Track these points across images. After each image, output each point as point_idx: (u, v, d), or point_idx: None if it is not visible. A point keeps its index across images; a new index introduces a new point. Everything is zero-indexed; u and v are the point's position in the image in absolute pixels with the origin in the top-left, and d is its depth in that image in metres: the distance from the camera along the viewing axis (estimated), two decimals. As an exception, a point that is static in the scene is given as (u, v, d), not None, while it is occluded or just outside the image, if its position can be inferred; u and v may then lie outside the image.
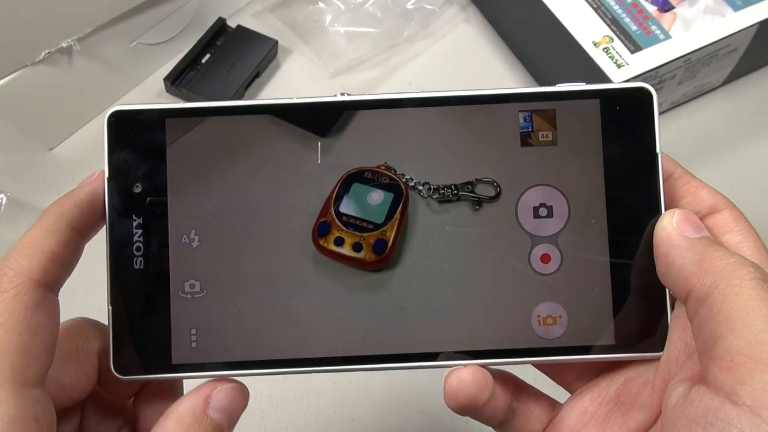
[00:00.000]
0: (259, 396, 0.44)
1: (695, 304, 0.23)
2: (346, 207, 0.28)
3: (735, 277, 0.22)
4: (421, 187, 0.28)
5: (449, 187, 0.27)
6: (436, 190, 0.27)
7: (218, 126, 0.27)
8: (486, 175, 0.27)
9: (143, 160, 0.27)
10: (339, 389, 0.45)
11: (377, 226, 0.28)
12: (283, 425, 0.44)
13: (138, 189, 0.27)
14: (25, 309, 0.23)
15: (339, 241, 0.27)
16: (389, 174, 0.28)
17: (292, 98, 0.27)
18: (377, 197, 0.28)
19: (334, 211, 0.27)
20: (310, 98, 0.27)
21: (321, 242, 0.27)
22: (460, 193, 0.27)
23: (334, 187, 0.27)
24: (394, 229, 0.27)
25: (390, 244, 0.27)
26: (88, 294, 0.40)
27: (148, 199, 0.27)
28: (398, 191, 0.28)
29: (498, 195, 0.27)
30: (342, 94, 0.28)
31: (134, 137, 0.27)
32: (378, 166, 0.28)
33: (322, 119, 0.28)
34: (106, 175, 0.27)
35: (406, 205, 0.28)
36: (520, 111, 0.28)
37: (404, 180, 0.28)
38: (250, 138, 0.27)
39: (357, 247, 0.27)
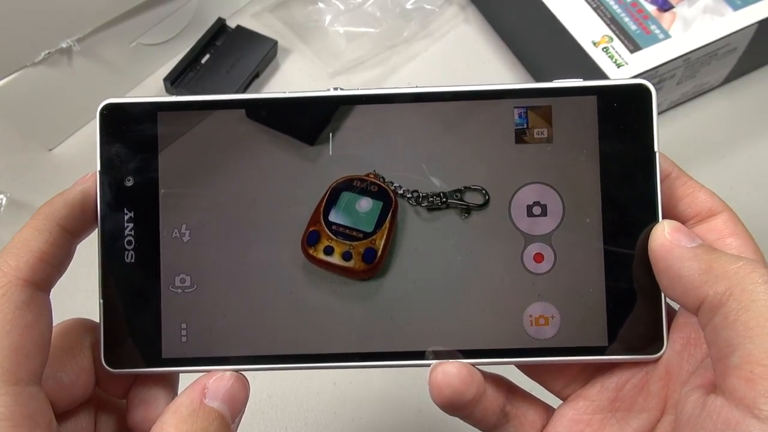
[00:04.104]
0: (259, 396, 0.44)
1: (709, 313, 0.22)
2: (336, 216, 0.27)
3: (749, 282, 0.22)
4: (409, 195, 0.27)
5: (438, 195, 0.27)
6: (425, 198, 0.27)
7: (211, 120, 0.27)
8: (479, 172, 0.27)
9: (135, 153, 0.27)
10: (339, 389, 0.45)
11: (367, 235, 0.27)
12: (283, 425, 0.44)
13: (130, 182, 0.27)
14: (13, 308, 0.23)
15: (329, 250, 0.27)
16: (378, 182, 0.27)
17: (285, 92, 0.27)
18: (366, 206, 0.27)
19: (324, 220, 0.27)
20: (302, 92, 0.27)
21: (310, 251, 0.27)
22: (449, 201, 0.27)
23: (323, 196, 0.27)
24: (384, 237, 0.27)
25: (380, 252, 0.27)
26: (88, 295, 0.40)
27: (140, 192, 0.27)
28: (387, 199, 0.27)
29: (486, 203, 0.27)
30: (335, 89, 0.27)
31: (126, 130, 0.27)
32: (367, 175, 0.27)
33: (310, 124, 0.27)
34: (98, 167, 0.27)
35: (395, 214, 0.27)
36: (515, 107, 0.27)
37: (393, 188, 0.27)
38: (242, 133, 0.27)
39: (347, 256, 0.27)
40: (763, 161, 0.51)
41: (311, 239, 0.27)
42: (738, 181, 0.50)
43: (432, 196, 0.27)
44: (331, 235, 0.27)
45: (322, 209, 0.27)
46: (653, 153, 0.26)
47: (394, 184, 0.27)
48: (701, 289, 0.23)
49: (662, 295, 0.26)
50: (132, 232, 0.27)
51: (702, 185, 0.27)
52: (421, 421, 0.44)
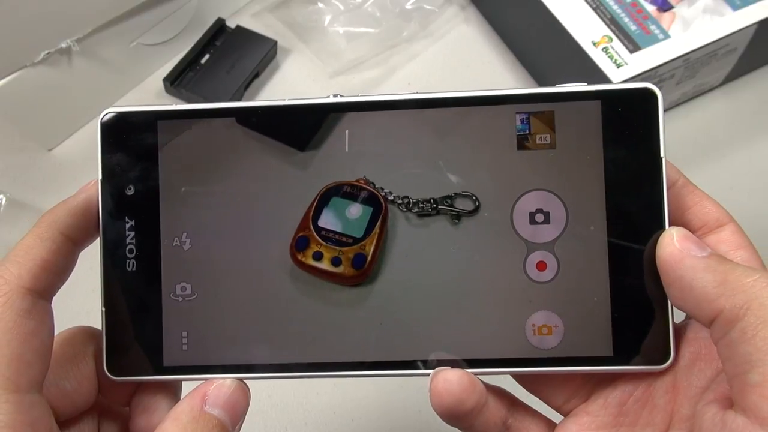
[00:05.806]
0: (259, 396, 0.44)
1: (725, 327, 0.22)
2: (325, 221, 0.27)
3: (767, 296, 0.21)
4: (400, 201, 0.27)
5: (428, 201, 0.27)
6: (416, 204, 0.27)
7: (211, 128, 0.27)
8: (481, 179, 0.27)
9: (136, 162, 0.27)
10: (339, 389, 0.45)
11: (356, 240, 0.27)
12: (283, 425, 0.44)
13: (131, 191, 0.27)
14: (15, 316, 0.23)
15: (317, 256, 0.27)
16: (368, 188, 0.27)
17: (284, 100, 0.27)
18: (356, 211, 0.27)
19: (313, 225, 0.27)
20: (301, 100, 0.27)
21: (299, 257, 0.27)
22: (439, 207, 0.27)
23: (313, 201, 0.27)
24: (374, 243, 0.27)
25: (369, 258, 0.27)
26: (88, 295, 0.40)
27: (140, 200, 0.27)
28: (377, 205, 0.27)
29: (477, 209, 0.27)
30: (335, 96, 0.27)
31: (127, 139, 0.27)
32: (357, 180, 0.27)
33: (304, 129, 0.27)
34: (100, 176, 0.27)
35: (385, 219, 0.27)
36: (517, 113, 0.26)
37: (383, 194, 0.27)
38: (239, 140, 0.27)
39: (336, 261, 0.27)
40: (763, 161, 0.51)
41: (300, 245, 0.27)
42: (738, 181, 0.50)
43: (422, 202, 0.27)
44: (320, 240, 0.27)
45: (311, 215, 0.27)
46: (660, 159, 0.26)
47: (384, 190, 0.27)
48: (717, 302, 0.22)
49: (669, 304, 0.25)
50: (133, 241, 0.27)
51: (708, 195, 0.26)
52: (422, 420, 0.44)
